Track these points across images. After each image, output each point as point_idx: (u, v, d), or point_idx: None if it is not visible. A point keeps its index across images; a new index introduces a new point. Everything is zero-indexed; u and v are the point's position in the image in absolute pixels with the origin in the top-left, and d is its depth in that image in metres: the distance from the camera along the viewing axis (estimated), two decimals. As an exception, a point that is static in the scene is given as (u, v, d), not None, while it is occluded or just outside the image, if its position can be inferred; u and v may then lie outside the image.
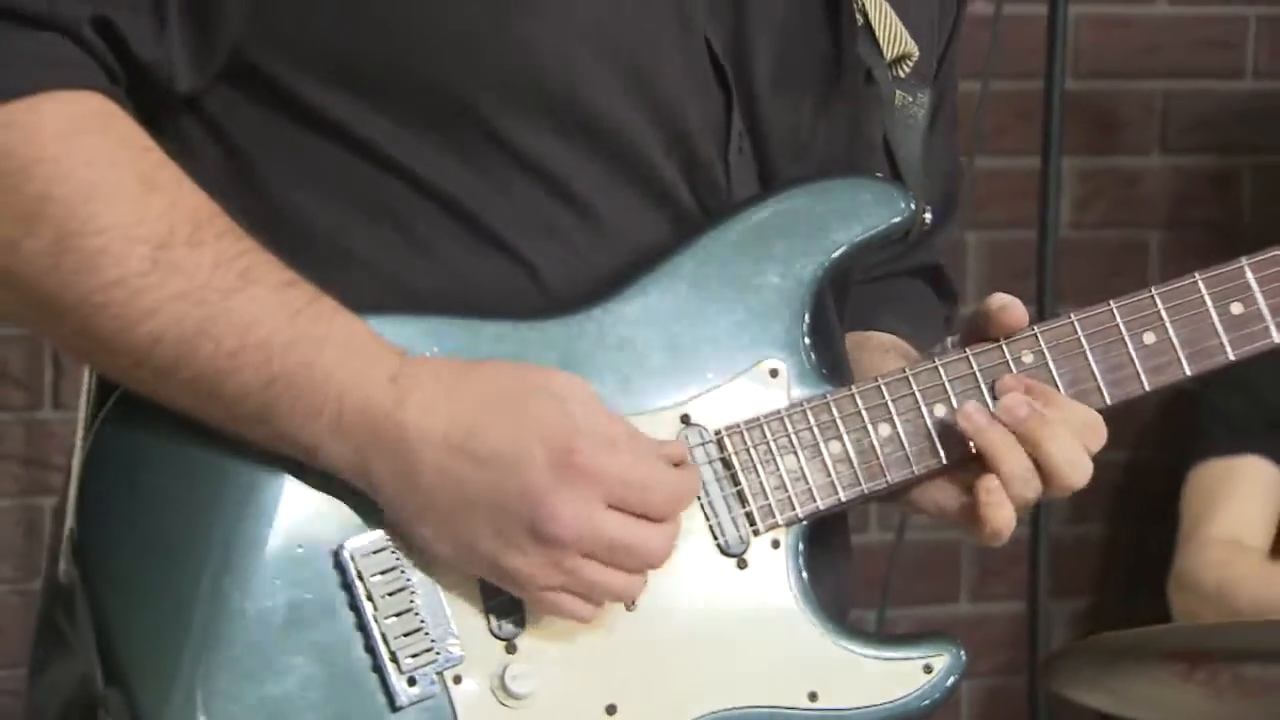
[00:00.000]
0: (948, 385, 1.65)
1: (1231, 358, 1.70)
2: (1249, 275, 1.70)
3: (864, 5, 1.66)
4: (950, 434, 1.64)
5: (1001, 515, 1.62)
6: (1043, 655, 2.83)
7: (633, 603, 1.58)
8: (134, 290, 1.48)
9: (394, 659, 1.53)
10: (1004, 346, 1.66)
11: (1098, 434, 1.64)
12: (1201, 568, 3.18)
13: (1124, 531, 3.66)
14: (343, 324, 1.53)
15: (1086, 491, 3.61)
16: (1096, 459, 3.83)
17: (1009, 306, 1.64)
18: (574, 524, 1.50)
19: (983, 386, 1.65)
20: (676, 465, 1.58)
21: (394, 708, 1.52)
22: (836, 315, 1.75)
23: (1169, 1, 3.63)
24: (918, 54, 1.68)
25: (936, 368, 1.65)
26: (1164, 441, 3.54)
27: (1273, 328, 1.71)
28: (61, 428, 3.19)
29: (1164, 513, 3.41)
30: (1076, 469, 1.63)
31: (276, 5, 1.58)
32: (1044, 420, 1.62)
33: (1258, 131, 3.58)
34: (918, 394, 1.64)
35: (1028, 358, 1.65)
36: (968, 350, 1.65)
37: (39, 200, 1.48)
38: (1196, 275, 1.69)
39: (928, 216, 1.69)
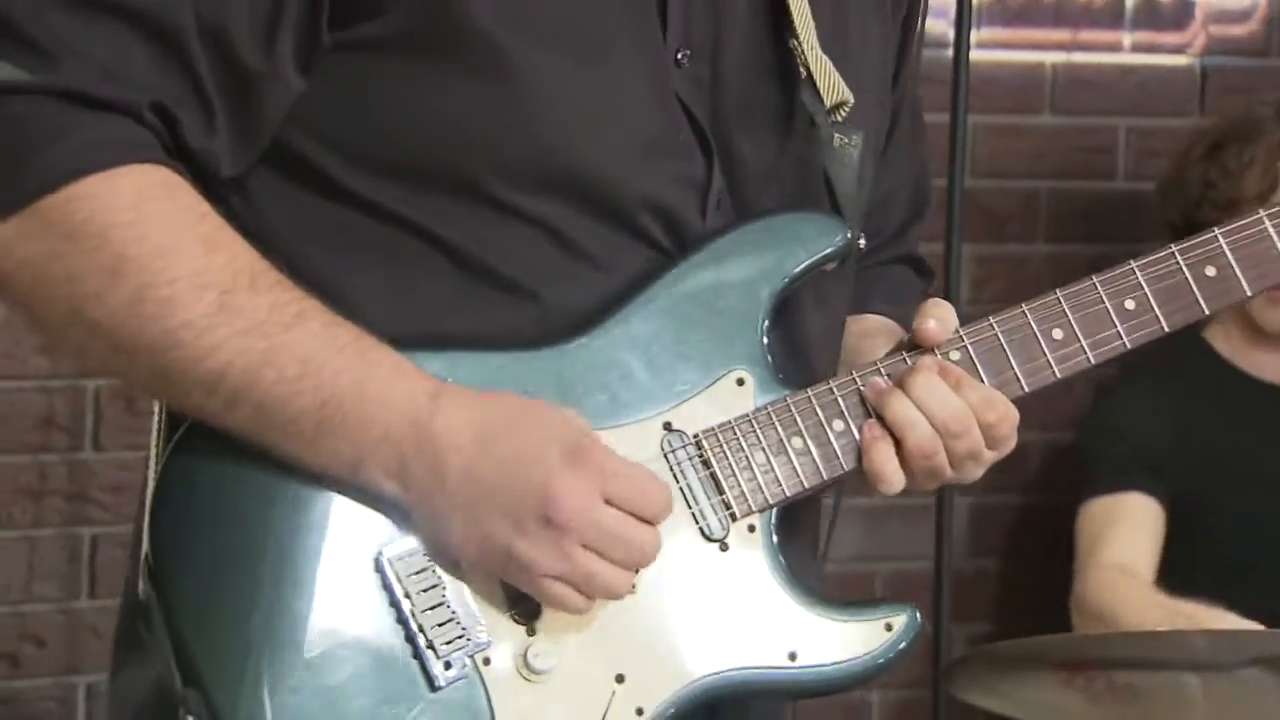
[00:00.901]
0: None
1: (1128, 346, 1.70)
2: (1139, 275, 1.70)
3: (806, 60, 1.66)
4: None
5: (877, 452, 1.62)
6: (944, 670, 2.82)
7: (632, 584, 1.58)
8: (201, 330, 1.49)
9: (431, 646, 1.53)
10: (935, 349, 1.66)
11: (996, 408, 1.64)
12: (1093, 590, 3.17)
13: (1014, 565, 3.64)
14: (385, 354, 1.53)
15: (983, 530, 3.67)
16: (994, 501, 3.82)
17: (934, 319, 1.65)
18: (576, 508, 1.51)
19: None
20: None
21: (434, 688, 1.53)
22: (812, 319, 1.74)
23: (1052, 113, 3.64)
24: (853, 100, 1.68)
25: (879, 368, 1.66)
26: (1049, 486, 3.53)
27: (1161, 318, 1.70)
28: (99, 467, 3.14)
29: (1050, 549, 3.38)
30: (957, 421, 1.62)
31: (312, 105, 1.58)
32: (914, 375, 1.64)
33: (1128, 225, 3.62)
34: (862, 392, 1.64)
35: (955, 355, 1.66)
36: (904, 354, 1.67)
37: (118, 259, 1.48)
38: (1094, 278, 1.69)
39: (861, 243, 1.71)
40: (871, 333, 1.81)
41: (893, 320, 1.84)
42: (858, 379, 1.65)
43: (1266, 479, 3.27)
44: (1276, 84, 3.58)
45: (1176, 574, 3.11)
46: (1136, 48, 3.68)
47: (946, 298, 1.75)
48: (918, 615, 1.64)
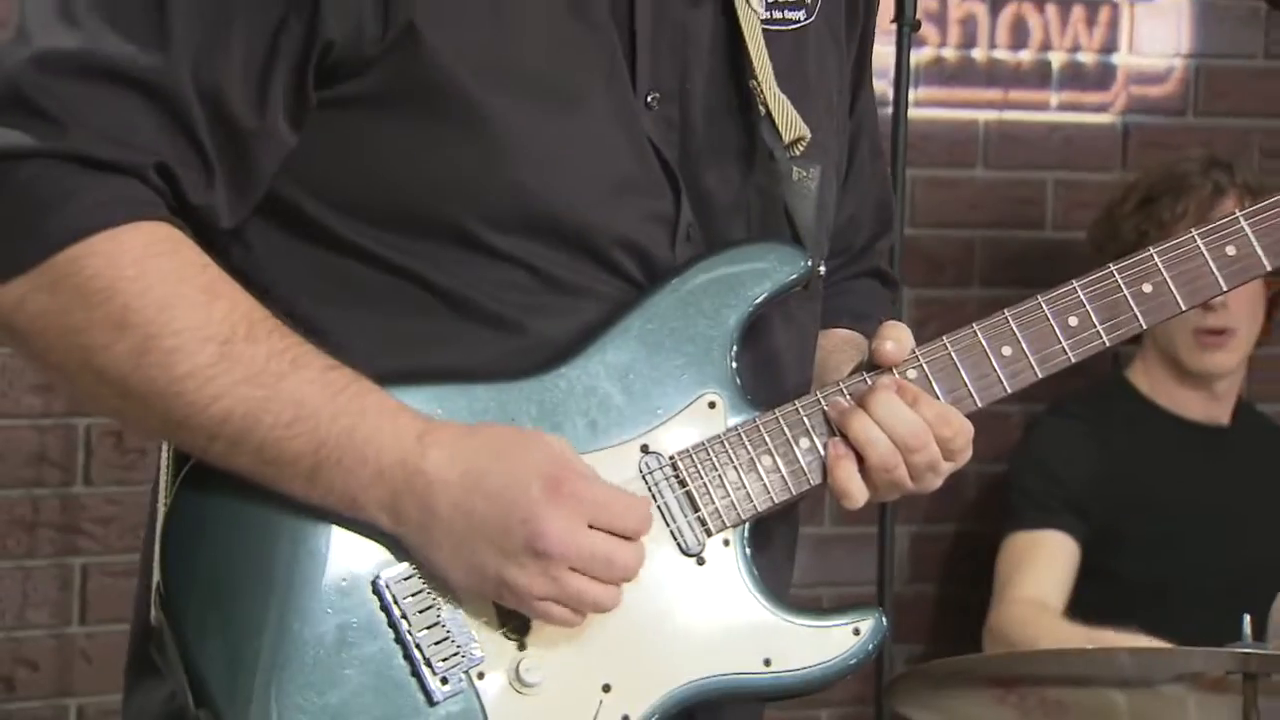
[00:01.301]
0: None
1: (1072, 360, 1.70)
2: (1080, 294, 1.70)
3: (765, 99, 1.66)
4: None
5: (841, 469, 1.62)
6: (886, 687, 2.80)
7: (612, 608, 1.58)
8: (204, 379, 1.49)
9: (428, 664, 1.54)
10: (894, 369, 1.66)
11: (951, 423, 1.64)
12: (1008, 624, 3.18)
13: (951, 590, 3.64)
14: (377, 398, 1.53)
15: (922, 557, 3.68)
16: (933, 530, 3.82)
17: (893, 340, 1.66)
18: (561, 538, 1.51)
19: None
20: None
21: (432, 703, 1.54)
22: (782, 340, 1.73)
23: (985, 167, 3.66)
24: (809, 135, 1.68)
25: (841, 388, 1.66)
26: (984, 515, 3.53)
27: (1102, 333, 1.70)
28: (90, 500, 3.14)
29: (984, 575, 3.38)
30: (916, 438, 1.62)
31: (303, 158, 1.58)
32: (874, 395, 1.63)
33: (1056, 270, 3.45)
34: (826, 411, 1.64)
35: (912, 374, 1.66)
36: (864, 374, 1.66)
37: (124, 311, 1.48)
38: (1039, 297, 1.70)
39: (822, 269, 1.72)
40: (840, 346, 1.81)
41: (859, 334, 1.82)
42: (821, 399, 1.65)
43: (1181, 510, 3.28)
44: (1193, 140, 3.62)
45: (1094, 597, 3.14)
46: (1062, 106, 3.71)
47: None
48: (883, 619, 1.65)
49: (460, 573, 1.54)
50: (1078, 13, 3.69)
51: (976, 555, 3.51)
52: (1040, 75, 3.68)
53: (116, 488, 3.16)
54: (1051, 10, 3.68)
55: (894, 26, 2.74)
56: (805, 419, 1.64)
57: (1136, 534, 3.25)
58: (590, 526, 1.53)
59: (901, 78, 2.77)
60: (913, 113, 2.90)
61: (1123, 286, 1.70)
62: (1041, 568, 3.22)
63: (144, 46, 1.49)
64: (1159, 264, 1.71)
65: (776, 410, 1.64)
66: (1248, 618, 2.43)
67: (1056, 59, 3.69)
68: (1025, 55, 3.67)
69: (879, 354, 1.66)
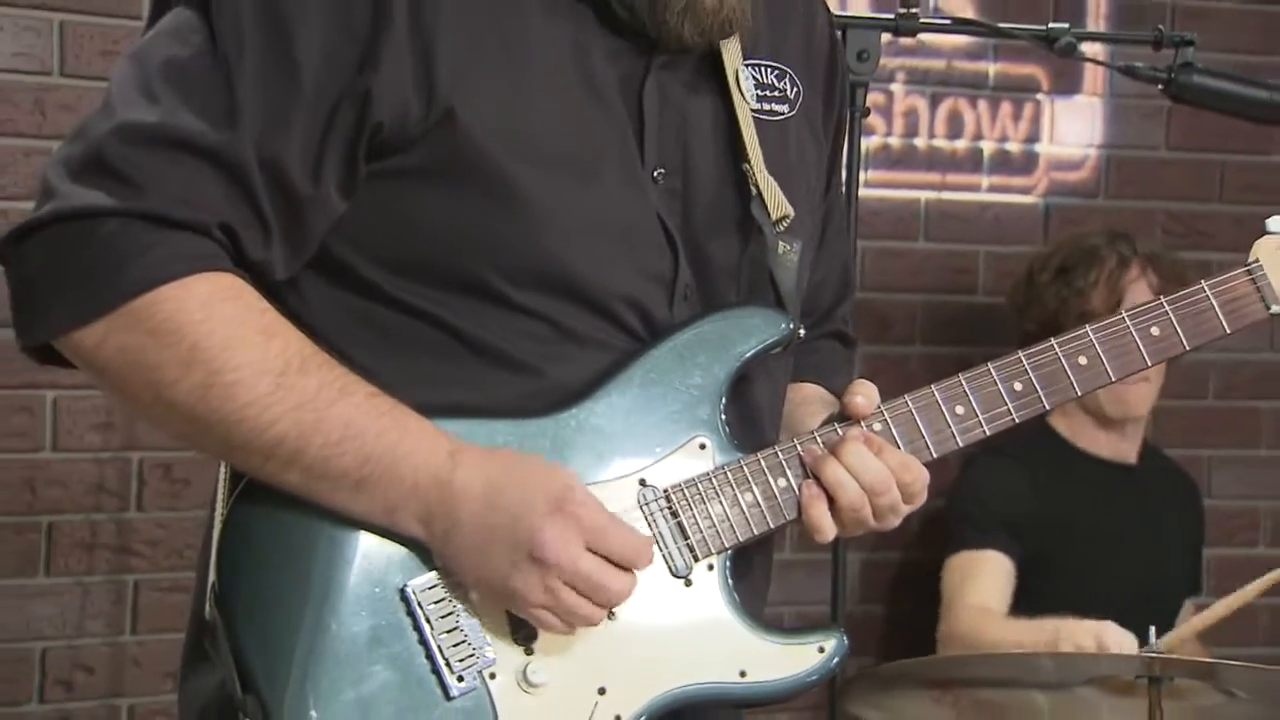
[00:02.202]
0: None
1: (1016, 420, 1.71)
2: (1025, 363, 1.71)
3: (757, 182, 1.68)
4: None
5: (815, 509, 1.63)
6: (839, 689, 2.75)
7: (612, 613, 1.57)
8: (262, 407, 1.50)
9: (447, 663, 1.55)
10: (862, 421, 1.66)
11: (911, 471, 1.65)
12: (959, 629, 3.19)
13: (895, 610, 3.65)
14: (415, 420, 1.55)
15: (871, 581, 3.70)
16: (880, 558, 3.80)
17: (861, 396, 1.66)
18: (557, 549, 1.51)
19: None
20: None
21: (448, 697, 1.55)
22: (762, 392, 1.73)
23: (925, 240, 3.68)
24: (793, 214, 1.69)
25: (815, 437, 1.66)
26: (925, 545, 3.53)
27: (1043, 398, 1.71)
28: (141, 525, 3.13)
29: (924, 597, 3.40)
30: (881, 484, 1.63)
31: (351, 220, 1.59)
32: (846, 444, 1.64)
33: (986, 331, 3.65)
34: (801, 456, 1.65)
35: (877, 426, 1.66)
36: (835, 424, 1.67)
37: (192, 350, 1.49)
38: (989, 365, 1.71)
39: (801, 332, 1.71)
40: (808, 399, 1.81)
41: (824, 389, 1.83)
42: (798, 445, 1.66)
43: (1098, 536, 3.30)
44: (1104, 219, 3.62)
45: (1025, 613, 3.13)
46: (992, 189, 3.72)
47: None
48: (844, 639, 1.66)
49: (476, 578, 1.55)
50: (1005, 108, 3.70)
51: (918, 580, 3.52)
52: (973, 161, 3.70)
53: (164, 514, 3.15)
54: (983, 105, 3.69)
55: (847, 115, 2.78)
56: (783, 462, 1.65)
57: (1060, 558, 3.26)
58: (589, 549, 1.53)
59: (854, 162, 2.75)
60: (864, 192, 2.91)
61: (1062, 359, 1.72)
62: (985, 580, 3.22)
63: (214, 123, 1.51)
64: (1093, 340, 1.73)
65: (758, 453, 1.65)
66: (1153, 629, 2.47)
67: (987, 147, 3.71)
68: (960, 144, 3.68)
69: (850, 407, 1.67)
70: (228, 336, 1.51)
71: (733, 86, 1.69)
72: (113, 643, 3.12)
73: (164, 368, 1.50)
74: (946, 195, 3.69)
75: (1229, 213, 3.84)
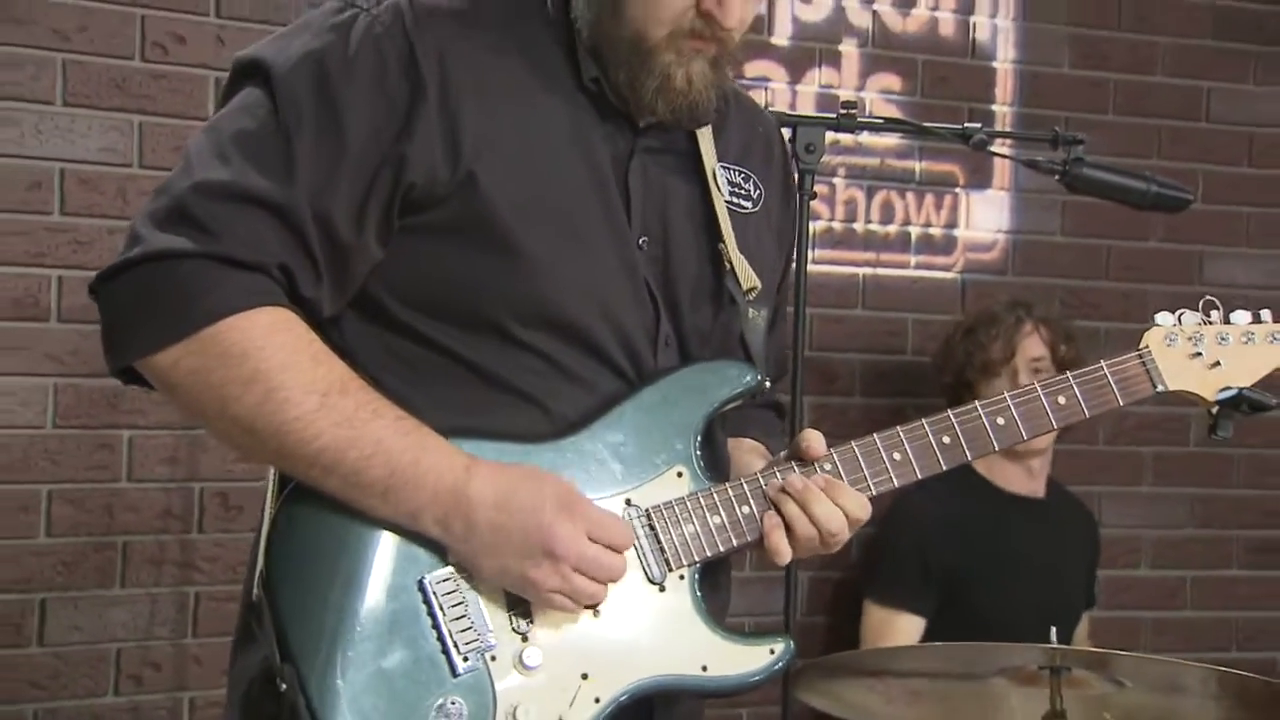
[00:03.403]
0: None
1: (944, 468, 1.73)
2: (952, 420, 1.72)
3: (730, 258, 1.70)
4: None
5: (776, 538, 1.65)
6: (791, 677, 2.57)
7: (597, 610, 1.59)
8: (308, 421, 1.51)
9: (455, 646, 1.56)
10: (815, 462, 1.68)
11: (857, 506, 1.66)
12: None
13: (838, 620, 3.62)
14: (435, 439, 1.55)
15: (817, 595, 3.66)
16: (825, 575, 3.74)
17: (813, 442, 1.68)
18: (568, 543, 1.54)
19: None
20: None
21: (455, 674, 1.56)
22: (722, 435, 1.76)
23: (863, 309, 3.68)
24: (760, 286, 1.72)
25: (775, 473, 1.67)
26: (861, 568, 3.53)
27: (967, 451, 1.72)
28: (202, 545, 3.13)
29: (860, 611, 3.37)
30: (832, 520, 1.64)
31: (386, 267, 1.60)
32: (808, 489, 1.65)
33: (914, 386, 3.61)
34: (764, 490, 1.67)
35: (827, 466, 1.68)
36: (793, 464, 1.69)
37: (253, 371, 1.51)
38: (924, 421, 1.72)
39: (766, 383, 1.73)
40: (750, 450, 1.82)
41: (763, 445, 1.83)
42: (760, 480, 1.67)
43: (1012, 561, 3.26)
44: (1011, 293, 3.61)
45: (951, 624, 3.11)
46: (918, 266, 3.71)
47: (791, 435, 1.81)
48: (791, 644, 1.67)
49: (492, 573, 1.56)
50: (929, 199, 3.71)
51: (856, 596, 3.50)
52: (902, 243, 3.70)
53: (222, 535, 3.16)
54: (910, 197, 3.69)
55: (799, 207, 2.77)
56: (747, 493, 1.66)
57: (979, 579, 3.22)
58: (589, 538, 1.55)
59: (803, 242, 2.70)
60: (811, 268, 2.93)
61: (984, 419, 1.73)
62: (896, 641, 3.17)
63: (276, 181, 1.53)
64: (1010, 404, 1.74)
65: (726, 484, 1.67)
66: (1054, 629, 2.44)
67: (914, 232, 3.71)
68: (891, 229, 3.69)
69: (806, 451, 1.68)
70: (283, 361, 1.52)
71: (710, 180, 1.71)
72: (177, 644, 3.13)
73: (228, 385, 1.51)
74: (880, 271, 3.69)
75: (1114, 288, 3.86)
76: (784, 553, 1.65)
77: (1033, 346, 3.25)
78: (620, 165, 1.66)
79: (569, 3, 1.65)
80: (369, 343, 1.63)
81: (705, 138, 1.72)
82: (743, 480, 1.67)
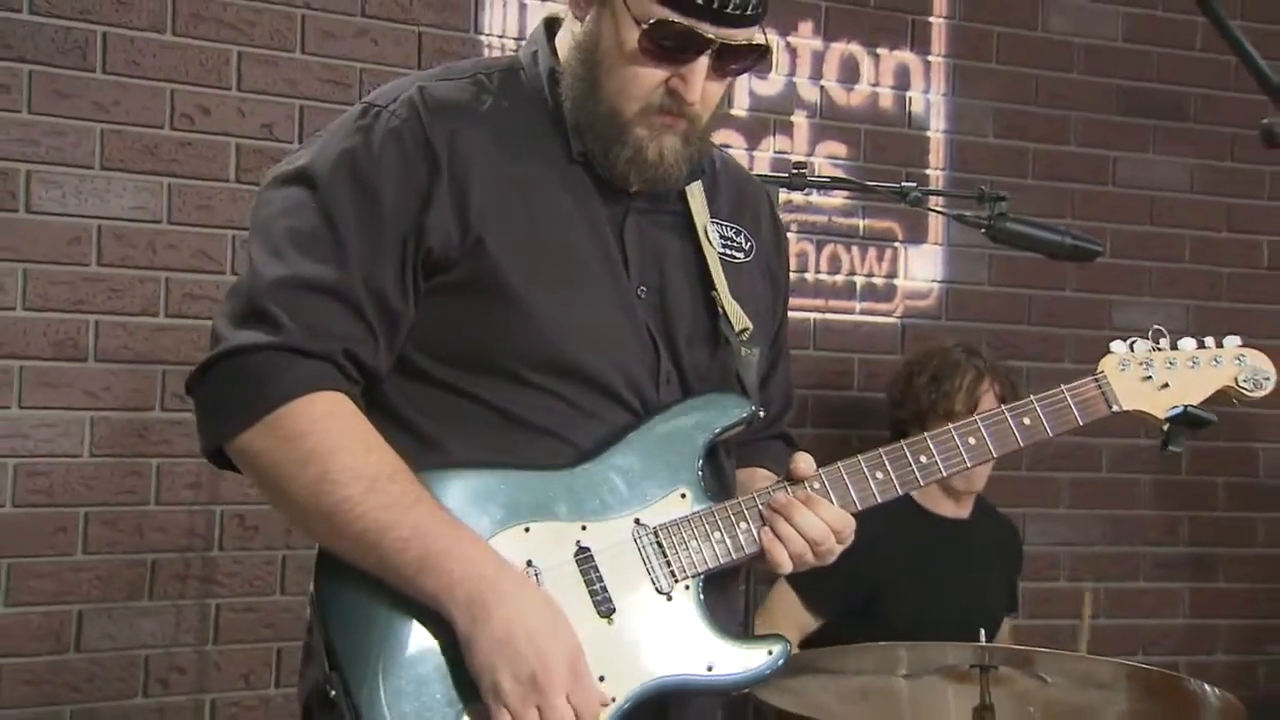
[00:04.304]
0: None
1: (922, 484, 1.71)
2: (929, 442, 1.71)
3: (723, 304, 1.70)
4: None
5: (775, 551, 1.64)
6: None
7: (611, 619, 1.56)
8: (355, 503, 1.50)
9: None
10: (804, 481, 1.67)
11: (840, 520, 1.66)
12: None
13: None
14: (468, 534, 1.53)
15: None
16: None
17: (803, 463, 1.67)
18: (550, 686, 1.48)
19: None
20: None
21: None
22: (727, 459, 1.73)
23: (814, 349, 3.64)
24: (752, 328, 1.71)
25: (769, 492, 1.66)
26: None
27: (942, 469, 1.70)
28: (222, 561, 3.11)
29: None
30: (814, 530, 1.64)
31: (419, 333, 1.61)
32: (793, 505, 1.64)
33: (858, 419, 3.61)
34: (760, 508, 1.66)
35: (816, 485, 1.67)
36: (784, 484, 1.68)
37: (310, 452, 1.51)
38: (903, 443, 1.71)
39: (760, 413, 1.71)
40: (763, 479, 1.79)
41: (775, 474, 1.80)
42: (756, 499, 1.66)
43: (933, 576, 3.20)
44: (945, 335, 3.54)
45: (872, 632, 2.90)
46: (862, 312, 3.70)
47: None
48: (788, 645, 1.65)
49: (477, 660, 1.51)
50: (871, 252, 3.70)
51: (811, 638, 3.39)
52: (848, 292, 3.69)
53: (239, 553, 3.15)
54: (855, 250, 3.69)
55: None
56: (744, 512, 1.66)
57: (894, 593, 3.15)
58: (567, 696, 1.50)
59: None
60: None
61: (957, 439, 1.72)
62: (790, 626, 3.12)
63: (331, 267, 1.55)
64: (981, 426, 1.73)
65: (726, 503, 1.66)
66: (983, 631, 2.49)
67: (859, 281, 3.70)
68: (839, 278, 3.68)
69: (795, 471, 1.67)
70: (336, 445, 1.51)
71: (701, 235, 1.71)
72: (200, 651, 3.12)
73: (287, 465, 1.51)
74: (829, 316, 3.68)
75: (1034, 332, 3.87)
76: (784, 564, 1.64)
77: (988, 401, 3.18)
78: (616, 225, 1.66)
79: (557, 90, 1.67)
80: (404, 395, 1.62)
81: (696, 197, 1.72)
82: (740, 500, 1.66)
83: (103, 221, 3.02)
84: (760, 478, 1.80)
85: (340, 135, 1.62)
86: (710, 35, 1.58)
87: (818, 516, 1.64)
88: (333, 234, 1.56)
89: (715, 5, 1.56)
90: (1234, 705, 2.43)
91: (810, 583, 3.05)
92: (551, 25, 1.72)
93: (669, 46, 1.58)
